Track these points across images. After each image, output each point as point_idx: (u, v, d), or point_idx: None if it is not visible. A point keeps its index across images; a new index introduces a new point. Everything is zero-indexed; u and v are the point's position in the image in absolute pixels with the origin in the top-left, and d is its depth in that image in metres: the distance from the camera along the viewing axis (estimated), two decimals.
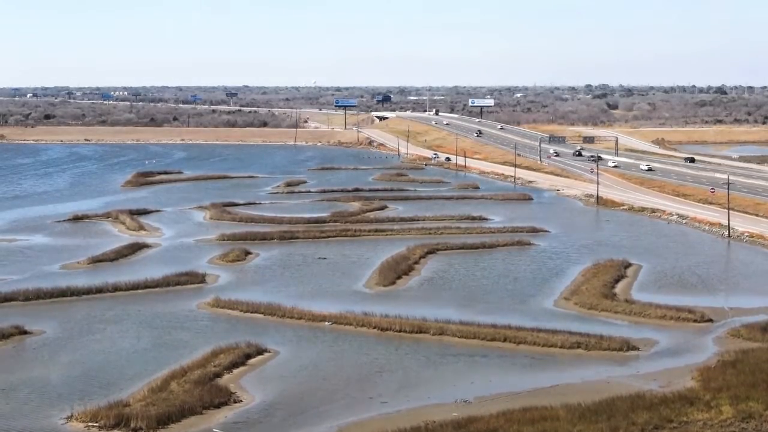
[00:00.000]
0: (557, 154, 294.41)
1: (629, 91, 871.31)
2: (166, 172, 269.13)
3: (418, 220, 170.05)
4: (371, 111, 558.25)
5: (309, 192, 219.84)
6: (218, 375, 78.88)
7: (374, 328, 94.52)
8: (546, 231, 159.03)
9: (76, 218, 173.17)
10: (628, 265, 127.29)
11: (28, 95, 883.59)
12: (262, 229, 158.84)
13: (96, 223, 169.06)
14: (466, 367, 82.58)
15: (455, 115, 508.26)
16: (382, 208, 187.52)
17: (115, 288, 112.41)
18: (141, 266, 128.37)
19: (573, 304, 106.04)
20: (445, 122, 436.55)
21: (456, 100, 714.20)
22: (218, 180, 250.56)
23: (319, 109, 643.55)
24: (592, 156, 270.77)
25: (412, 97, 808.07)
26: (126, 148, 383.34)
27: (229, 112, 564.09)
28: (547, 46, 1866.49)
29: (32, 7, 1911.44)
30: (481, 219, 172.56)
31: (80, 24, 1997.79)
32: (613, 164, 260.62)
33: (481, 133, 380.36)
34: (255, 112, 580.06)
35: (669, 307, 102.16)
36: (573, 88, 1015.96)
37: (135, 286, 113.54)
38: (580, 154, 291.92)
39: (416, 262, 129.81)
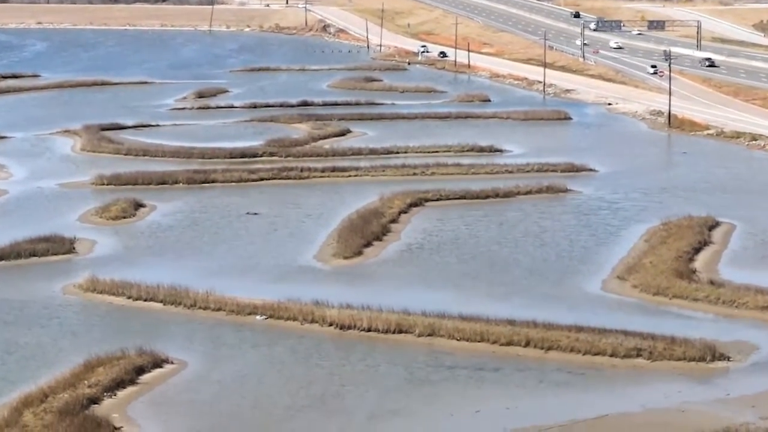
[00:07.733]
0: None
1: None
2: (14, 76, 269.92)
3: (397, 152, 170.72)
4: None
5: (232, 108, 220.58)
6: (95, 400, 79.03)
7: (331, 325, 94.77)
8: (591, 170, 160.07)
9: None
10: (714, 225, 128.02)
11: None
12: (161, 167, 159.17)
13: None
14: (469, 386, 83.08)
15: None
16: (343, 134, 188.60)
17: None
18: None
19: (631, 286, 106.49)
20: None
21: None
22: (94, 88, 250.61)
23: None
24: None
25: None
26: None
27: None
28: None
29: None
30: (493, 151, 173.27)
31: None
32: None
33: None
34: None
35: None
36: None
37: None
38: None
39: (394, 220, 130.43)
